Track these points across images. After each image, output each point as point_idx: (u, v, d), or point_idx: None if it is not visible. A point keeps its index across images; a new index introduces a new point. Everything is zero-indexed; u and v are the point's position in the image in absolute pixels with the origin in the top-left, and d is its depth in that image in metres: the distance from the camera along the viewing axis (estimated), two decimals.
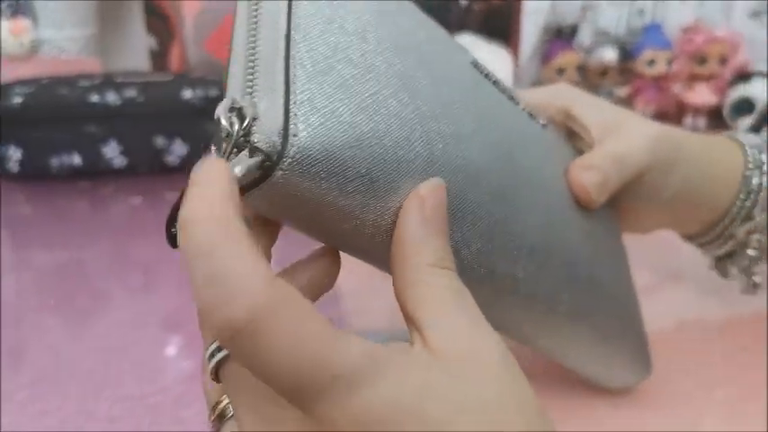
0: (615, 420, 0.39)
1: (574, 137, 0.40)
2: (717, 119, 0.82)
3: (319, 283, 0.27)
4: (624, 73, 0.81)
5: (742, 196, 0.41)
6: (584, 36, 0.81)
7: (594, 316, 0.35)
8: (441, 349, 0.22)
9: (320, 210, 0.24)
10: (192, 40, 0.80)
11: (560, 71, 0.81)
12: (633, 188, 0.38)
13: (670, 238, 0.46)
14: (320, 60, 0.24)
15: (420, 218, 0.25)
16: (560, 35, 0.82)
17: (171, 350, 0.45)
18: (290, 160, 0.22)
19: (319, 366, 0.20)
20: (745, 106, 0.78)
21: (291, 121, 0.22)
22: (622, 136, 0.37)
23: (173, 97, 0.65)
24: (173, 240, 0.24)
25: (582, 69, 0.81)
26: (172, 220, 0.24)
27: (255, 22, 0.26)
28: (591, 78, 0.82)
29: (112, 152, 0.64)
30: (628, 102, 0.82)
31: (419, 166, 0.25)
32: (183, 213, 0.20)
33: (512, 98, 0.34)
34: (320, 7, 0.26)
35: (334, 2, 0.26)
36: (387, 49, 0.27)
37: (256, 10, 0.26)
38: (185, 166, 0.65)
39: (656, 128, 0.38)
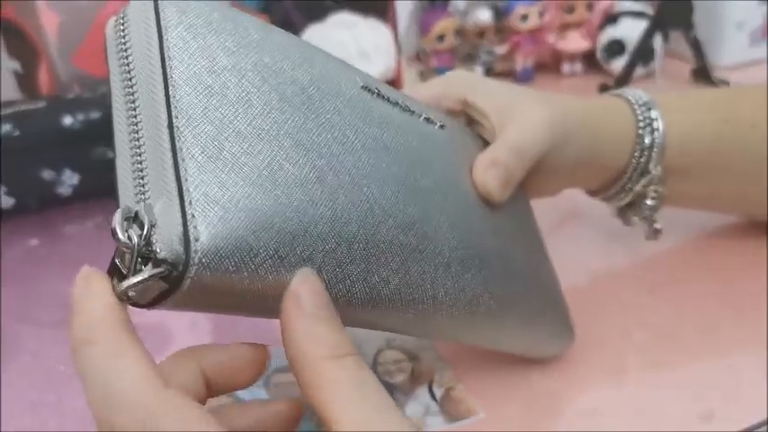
0: (547, 384, 0.41)
1: (474, 123, 0.41)
2: (592, 62, 0.85)
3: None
4: (500, 31, 0.83)
5: (636, 154, 0.43)
6: (458, 1, 0.82)
7: (515, 305, 0.36)
8: None
9: (238, 297, 0.23)
10: (59, 56, 0.76)
11: (440, 38, 0.81)
12: (534, 167, 0.39)
13: (572, 194, 0.48)
14: (208, 144, 0.23)
15: (300, 314, 0.24)
16: (434, 4, 0.83)
17: None
18: (196, 267, 0.22)
19: None
20: (616, 48, 0.82)
21: (190, 223, 0.22)
22: (521, 124, 0.38)
23: (52, 126, 0.61)
24: None
25: (460, 33, 0.83)
26: None
27: (135, 115, 0.24)
28: (470, 40, 0.83)
29: None
30: (508, 57, 0.85)
31: (325, 226, 0.25)
32: (72, 334, 0.22)
33: (406, 108, 0.34)
34: (200, 79, 0.24)
35: (214, 65, 0.25)
36: (274, 108, 0.26)
37: (133, 100, 0.25)
38: (79, 195, 0.62)
39: (550, 109, 0.39)
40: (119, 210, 0.23)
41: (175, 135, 0.23)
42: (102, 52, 0.27)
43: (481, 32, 0.82)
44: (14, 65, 0.80)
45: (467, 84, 0.41)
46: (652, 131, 0.43)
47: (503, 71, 0.85)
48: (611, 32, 0.82)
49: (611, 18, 0.83)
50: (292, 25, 0.80)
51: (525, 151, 0.38)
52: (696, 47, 0.78)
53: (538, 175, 0.40)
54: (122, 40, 0.26)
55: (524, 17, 0.81)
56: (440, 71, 0.81)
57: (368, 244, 0.27)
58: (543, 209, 0.44)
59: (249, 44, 0.27)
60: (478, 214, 0.35)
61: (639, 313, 0.46)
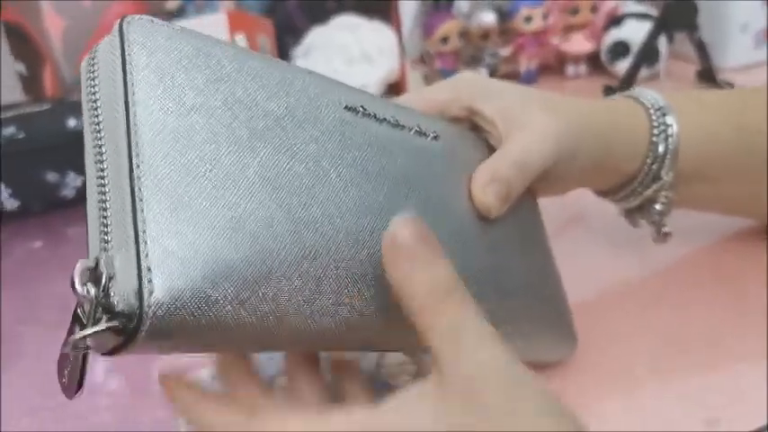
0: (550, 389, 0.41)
1: (481, 129, 0.39)
2: (596, 64, 0.85)
3: None
4: (504, 33, 0.83)
5: (649, 161, 0.42)
6: (462, 3, 0.82)
7: (509, 320, 0.35)
8: (450, 381, 0.25)
9: (199, 342, 0.23)
10: (64, 60, 0.76)
11: (444, 40, 0.81)
12: (540, 175, 0.38)
13: (578, 197, 0.47)
14: (170, 192, 0.23)
15: (400, 258, 0.25)
16: (438, 6, 0.83)
17: (99, 374, 0.45)
18: (150, 321, 0.21)
19: None
20: (620, 49, 0.82)
21: (145, 277, 0.21)
22: (526, 135, 0.37)
23: (57, 128, 0.61)
24: (66, 389, 0.24)
25: (464, 35, 0.82)
26: (62, 368, 0.24)
27: (102, 160, 0.24)
28: (474, 42, 0.83)
29: (1, 195, 0.61)
30: (512, 59, 0.84)
31: (291, 266, 0.24)
32: None
33: (395, 123, 0.32)
34: (164, 124, 0.24)
35: (180, 107, 0.24)
36: (243, 146, 0.25)
37: (101, 146, 0.24)
38: (83, 198, 0.62)
39: (559, 119, 0.38)
40: (80, 261, 0.23)
41: (135, 184, 0.23)
42: None
43: (485, 34, 0.82)
44: (19, 67, 0.80)
45: (474, 90, 0.39)
46: (666, 138, 0.41)
47: (507, 73, 0.85)
48: (616, 34, 0.82)
49: (615, 20, 0.83)
50: (295, 28, 0.80)
51: (528, 164, 0.36)
52: (701, 48, 0.77)
53: (545, 181, 0.39)
54: (92, 82, 0.26)
55: (528, 19, 0.81)
56: (444, 73, 0.81)
57: (339, 278, 0.26)
58: (549, 211, 0.44)
59: (221, 78, 0.26)
60: (472, 230, 0.34)
61: (644, 319, 0.45)
